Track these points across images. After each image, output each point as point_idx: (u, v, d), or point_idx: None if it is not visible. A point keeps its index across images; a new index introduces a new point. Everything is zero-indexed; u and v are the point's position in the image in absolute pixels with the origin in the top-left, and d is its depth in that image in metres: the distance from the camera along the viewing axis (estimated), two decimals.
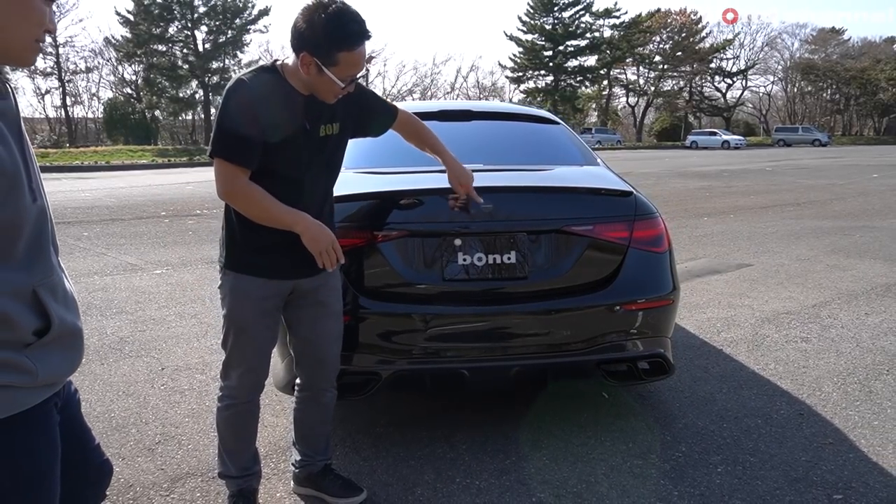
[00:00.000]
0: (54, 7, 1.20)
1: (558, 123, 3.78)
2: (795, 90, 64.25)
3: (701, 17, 58.73)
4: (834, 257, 6.74)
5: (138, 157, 27.48)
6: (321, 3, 1.88)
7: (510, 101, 38.84)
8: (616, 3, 61.83)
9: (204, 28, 42.37)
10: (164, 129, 48.06)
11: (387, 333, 2.63)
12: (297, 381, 2.40)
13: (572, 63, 53.87)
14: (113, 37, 43.66)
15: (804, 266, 6.35)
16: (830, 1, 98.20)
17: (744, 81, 59.87)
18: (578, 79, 54.72)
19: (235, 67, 42.57)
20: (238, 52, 43.23)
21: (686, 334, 4.27)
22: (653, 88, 57.93)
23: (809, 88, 63.24)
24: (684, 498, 2.41)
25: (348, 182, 2.54)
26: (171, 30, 41.96)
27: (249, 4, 42.29)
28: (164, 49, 42.22)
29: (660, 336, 2.81)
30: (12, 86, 1.18)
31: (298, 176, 2.07)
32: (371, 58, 40.33)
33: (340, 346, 2.34)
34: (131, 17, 40.85)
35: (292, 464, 2.48)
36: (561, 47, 52.61)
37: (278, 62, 2.05)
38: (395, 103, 2.45)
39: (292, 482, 2.49)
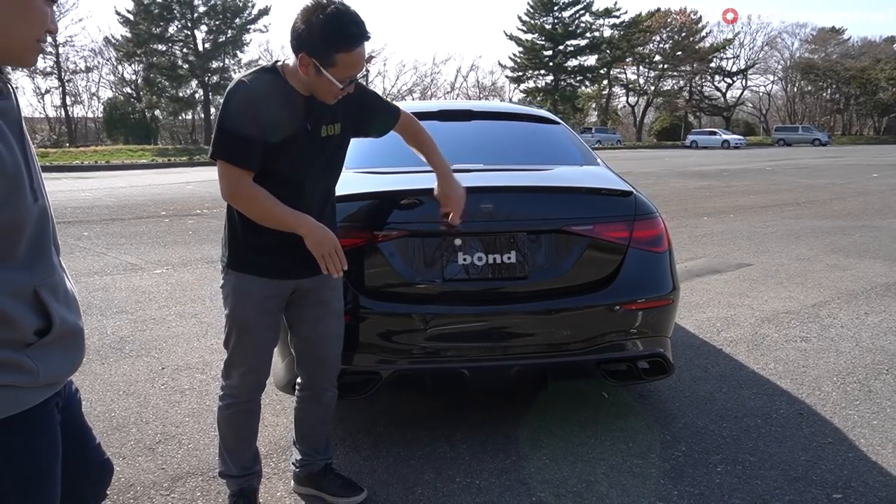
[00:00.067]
0: (55, 7, 1.20)
1: (558, 123, 3.79)
2: (795, 90, 64.26)
3: (701, 17, 58.91)
4: (834, 257, 6.74)
5: (138, 156, 27.49)
6: (320, 4, 1.88)
7: (510, 100, 38.86)
8: (616, 3, 61.76)
9: (204, 28, 42.35)
10: (164, 129, 48.05)
11: (387, 333, 2.64)
12: (298, 380, 2.40)
13: (572, 63, 53.87)
14: (113, 36, 43.72)
15: (804, 266, 6.35)
16: (830, 1, 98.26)
17: (744, 81, 59.98)
18: (578, 78, 54.70)
19: (235, 67, 42.58)
20: (238, 52, 43.26)
21: (686, 334, 4.27)
22: (653, 88, 57.93)
23: (809, 88, 63.25)
24: (684, 497, 2.41)
25: (349, 182, 2.54)
26: (171, 29, 41.94)
27: (249, 4, 42.27)
28: (164, 49, 42.20)
29: (660, 336, 2.81)
30: (13, 85, 1.18)
31: (300, 177, 2.07)
32: (371, 57, 40.33)
33: (342, 345, 2.35)
34: (131, 17, 40.83)
35: (293, 463, 2.48)
36: (561, 47, 52.58)
37: (279, 63, 2.06)
38: (395, 104, 2.44)
39: (293, 481, 2.49)
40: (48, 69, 40.66)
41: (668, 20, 56.58)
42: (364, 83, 2.29)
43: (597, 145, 37.48)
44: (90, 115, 47.66)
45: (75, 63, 44.16)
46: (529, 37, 53.59)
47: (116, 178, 18.20)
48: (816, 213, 10.24)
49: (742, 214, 10.07)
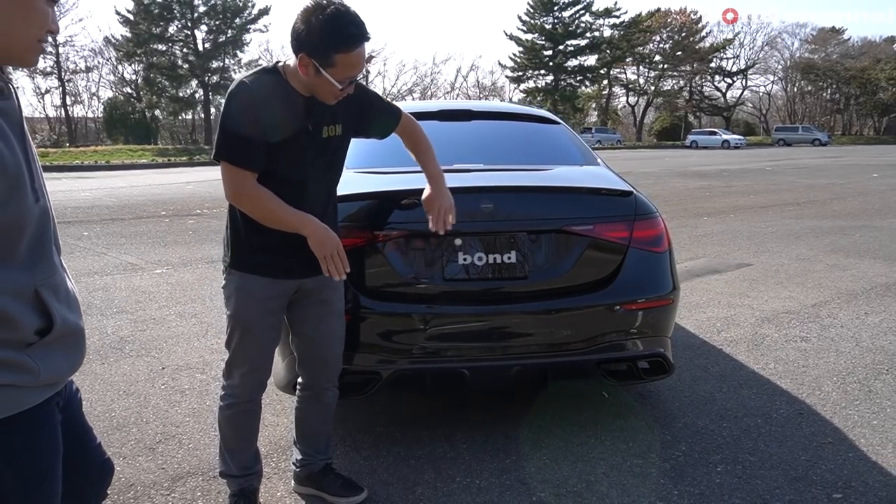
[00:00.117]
0: (56, 7, 1.20)
1: (558, 123, 3.79)
2: (795, 90, 64.25)
3: (701, 17, 58.87)
4: (834, 257, 6.74)
5: (138, 156, 27.50)
6: (319, 4, 1.88)
7: (510, 100, 38.86)
8: (616, 3, 61.66)
9: (204, 27, 42.31)
10: (164, 129, 48.05)
11: (387, 333, 2.64)
12: (299, 380, 2.41)
13: (572, 63, 53.84)
14: (113, 36, 43.70)
15: (804, 266, 6.35)
16: (830, 1, 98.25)
17: (744, 81, 59.95)
18: (578, 78, 54.67)
19: (235, 67, 42.54)
20: (238, 52, 43.18)
21: (686, 334, 4.27)
22: (653, 88, 57.91)
23: (809, 88, 63.23)
24: (684, 497, 2.41)
25: (349, 182, 2.54)
26: (171, 29, 41.90)
27: (249, 4, 42.22)
28: (164, 48, 42.16)
29: (660, 336, 2.81)
30: (14, 85, 1.19)
31: (301, 177, 2.07)
32: (371, 58, 40.31)
33: (343, 345, 2.35)
34: (131, 17, 40.80)
35: (293, 463, 2.48)
36: (561, 47, 52.56)
37: (280, 63, 2.06)
38: (396, 104, 2.44)
39: (293, 481, 2.49)
40: (48, 69, 40.72)
41: (668, 20, 56.57)
42: (364, 83, 2.28)
43: (597, 145, 37.49)
44: (90, 115, 47.78)
45: (75, 63, 44.25)
46: (529, 37, 53.59)
47: (116, 178, 18.21)
48: (816, 213, 10.24)
49: (742, 214, 10.07)
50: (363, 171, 2.98)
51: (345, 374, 2.45)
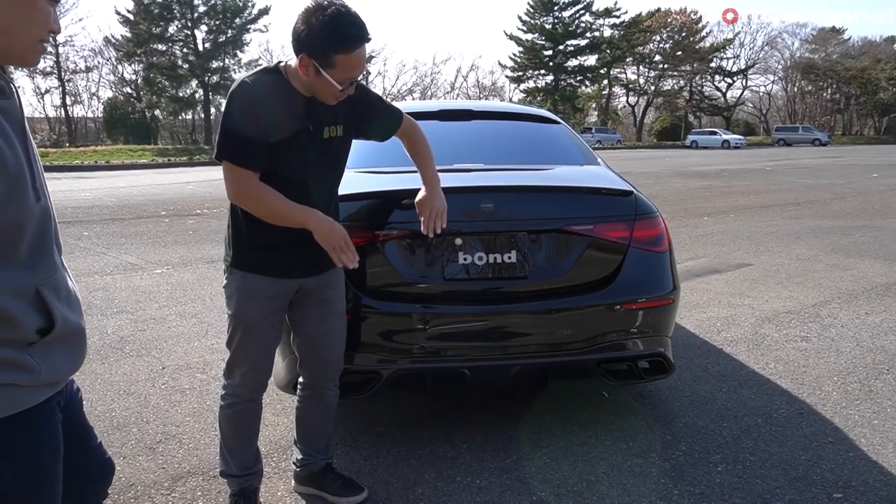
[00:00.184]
0: (57, 7, 1.20)
1: (558, 123, 3.79)
2: (795, 90, 64.25)
3: (701, 17, 58.88)
4: (834, 257, 6.74)
5: (138, 156, 27.50)
6: (320, 5, 1.88)
7: (510, 100, 38.85)
8: (616, 3, 61.69)
9: (204, 27, 42.30)
10: (164, 129, 48.05)
11: (388, 332, 2.64)
12: (300, 379, 2.41)
13: (572, 62, 53.83)
14: (113, 36, 43.70)
15: (804, 265, 6.35)
16: (830, 1, 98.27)
17: (744, 81, 59.95)
18: (578, 78, 54.66)
19: (235, 67, 42.53)
20: (238, 52, 43.16)
21: (686, 334, 4.28)
22: (653, 88, 57.91)
23: (809, 88, 63.23)
24: (684, 496, 2.41)
25: (350, 181, 2.54)
26: (171, 29, 41.89)
27: (249, 4, 42.20)
28: (164, 48, 42.15)
29: (660, 335, 2.81)
30: (15, 85, 1.18)
31: (302, 177, 2.07)
32: (371, 58, 40.30)
33: (344, 345, 2.35)
34: (131, 17, 40.79)
35: (293, 462, 2.48)
36: (561, 47, 52.56)
37: (281, 64, 2.06)
38: (395, 104, 2.44)
39: (293, 481, 2.49)
40: (48, 69, 40.72)
41: (668, 20, 56.56)
42: (364, 83, 2.28)
43: (597, 145, 37.47)
44: (90, 114, 47.80)
45: (75, 63, 44.26)
46: (529, 37, 53.58)
47: (116, 177, 18.21)
48: (816, 213, 10.24)
49: (742, 214, 10.07)
50: (364, 171, 2.97)
51: (345, 373, 2.45)
